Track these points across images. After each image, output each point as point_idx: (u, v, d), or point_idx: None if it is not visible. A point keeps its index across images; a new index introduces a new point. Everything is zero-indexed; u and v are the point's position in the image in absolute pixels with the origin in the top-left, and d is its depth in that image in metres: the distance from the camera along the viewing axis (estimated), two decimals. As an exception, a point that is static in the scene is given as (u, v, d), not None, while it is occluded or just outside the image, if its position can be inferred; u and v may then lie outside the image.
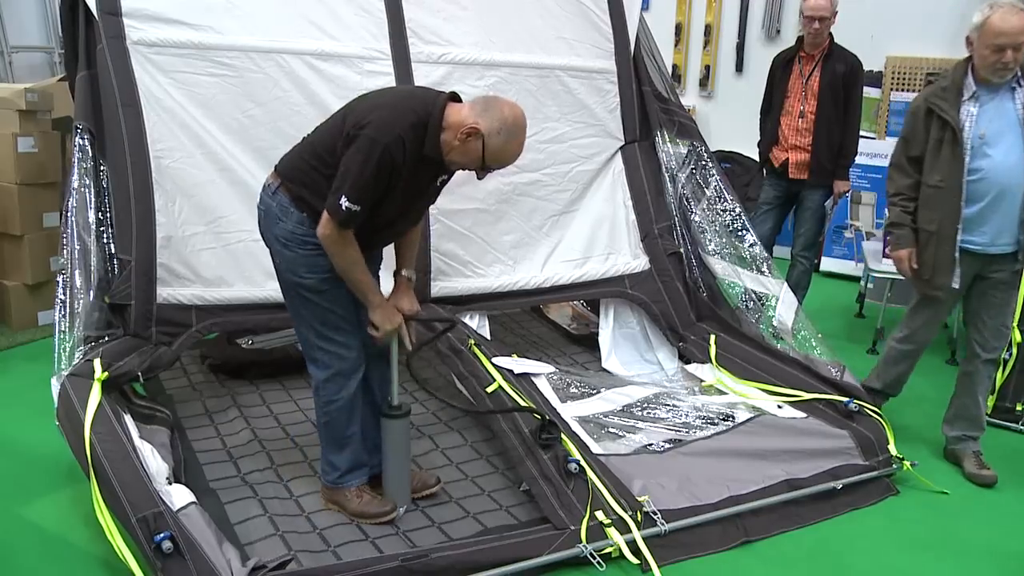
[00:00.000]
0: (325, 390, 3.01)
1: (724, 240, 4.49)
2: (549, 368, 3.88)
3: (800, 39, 5.05)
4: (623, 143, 4.57)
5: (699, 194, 4.58)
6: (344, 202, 2.64)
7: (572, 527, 2.93)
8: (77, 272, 3.43)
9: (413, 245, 3.13)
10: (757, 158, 5.38)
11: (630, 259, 4.47)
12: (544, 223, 4.35)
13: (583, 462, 3.13)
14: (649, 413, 3.80)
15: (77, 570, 2.90)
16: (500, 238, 4.22)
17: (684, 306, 4.44)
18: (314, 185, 2.78)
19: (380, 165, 2.64)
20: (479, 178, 2.87)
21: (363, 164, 2.63)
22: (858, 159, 6.60)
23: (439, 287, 4.05)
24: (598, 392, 3.96)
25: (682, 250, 4.54)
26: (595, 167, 4.49)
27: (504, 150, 2.74)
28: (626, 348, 4.49)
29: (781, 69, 5.07)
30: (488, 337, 4.00)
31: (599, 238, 4.45)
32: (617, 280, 4.42)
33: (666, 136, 4.61)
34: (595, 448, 3.38)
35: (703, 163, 4.59)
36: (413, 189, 2.83)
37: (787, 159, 5.02)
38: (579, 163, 4.44)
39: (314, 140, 2.86)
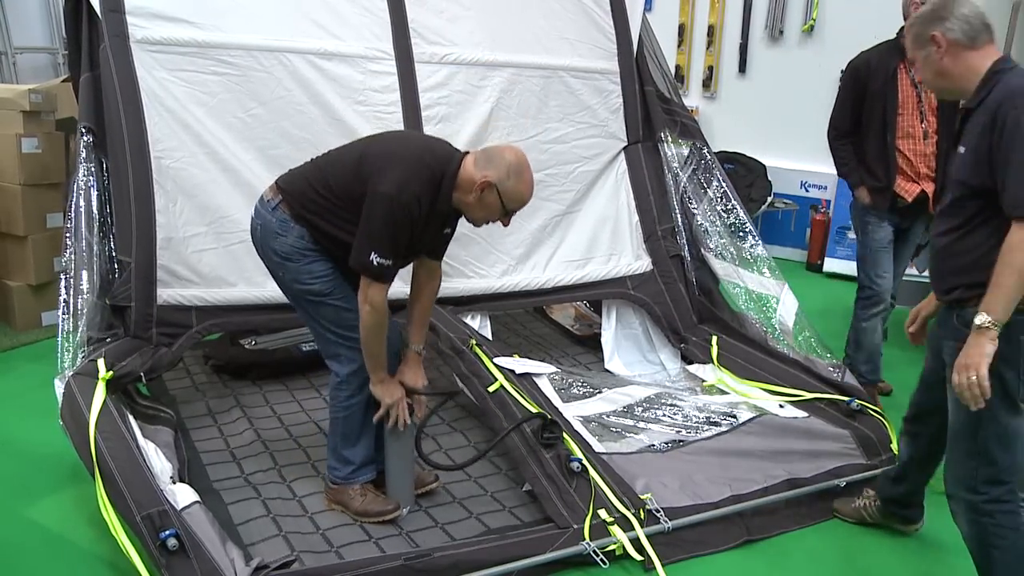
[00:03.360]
0: (348, 385, 3.03)
1: (726, 241, 4.48)
2: (551, 368, 3.88)
3: (898, 37, 4.07)
4: (626, 144, 4.57)
5: (700, 194, 4.57)
6: (375, 258, 2.73)
7: (575, 525, 2.93)
8: (83, 272, 3.44)
9: (425, 320, 3.20)
10: (860, 192, 4.23)
11: (632, 260, 4.47)
12: (547, 224, 4.35)
13: (585, 461, 3.13)
14: (651, 413, 3.80)
15: (81, 569, 2.91)
16: (502, 239, 4.22)
17: (686, 307, 4.44)
18: (320, 212, 2.85)
19: (400, 222, 2.73)
20: (504, 225, 2.95)
21: (385, 222, 2.73)
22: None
23: (441, 287, 4.05)
24: (600, 392, 3.96)
25: (684, 253, 4.54)
26: (598, 167, 4.49)
27: (518, 191, 2.84)
28: (628, 349, 4.49)
29: (886, 78, 4.04)
30: (490, 337, 4.00)
31: (602, 239, 4.45)
32: (619, 281, 4.42)
33: (669, 137, 4.61)
34: (597, 447, 3.38)
35: (705, 163, 4.58)
36: (421, 241, 2.92)
37: (922, 192, 4.08)
38: (582, 163, 4.44)
39: (325, 170, 2.90)
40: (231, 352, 4.38)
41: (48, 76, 7.01)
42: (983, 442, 2.44)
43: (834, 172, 6.74)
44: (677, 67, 7.64)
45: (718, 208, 4.52)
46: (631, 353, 4.49)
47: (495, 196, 2.80)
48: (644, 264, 4.48)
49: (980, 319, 2.28)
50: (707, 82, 7.63)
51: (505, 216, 2.88)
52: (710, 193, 4.54)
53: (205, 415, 3.91)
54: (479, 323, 4.05)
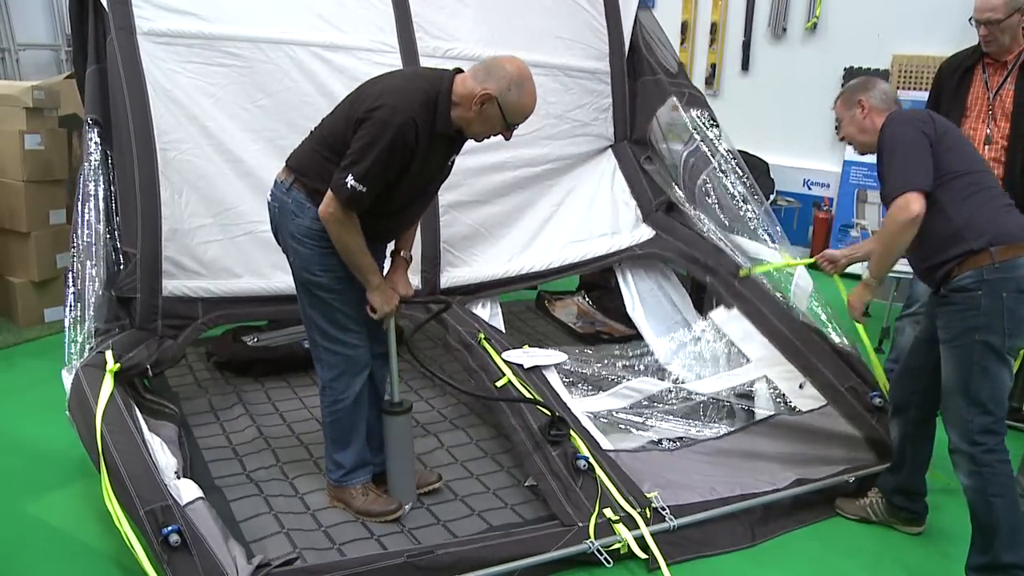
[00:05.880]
0: (332, 390, 3.02)
1: (732, 213, 4.31)
2: (562, 356, 3.77)
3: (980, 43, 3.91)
4: (613, 142, 4.68)
5: (704, 164, 4.41)
6: (350, 180, 2.62)
7: (580, 524, 2.92)
8: (91, 264, 3.45)
9: (414, 228, 3.14)
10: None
11: (633, 231, 4.51)
12: (548, 213, 4.42)
13: (592, 459, 3.12)
14: (660, 411, 3.75)
15: (84, 566, 2.91)
16: (505, 229, 4.25)
17: (698, 249, 4.30)
18: (330, 176, 2.75)
19: (392, 147, 2.62)
20: (506, 139, 2.86)
21: (372, 146, 2.61)
22: (865, 158, 6.58)
23: (448, 278, 4.09)
24: (609, 388, 3.88)
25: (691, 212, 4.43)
26: (591, 162, 4.60)
27: (521, 103, 2.74)
28: (651, 304, 4.46)
29: (958, 78, 3.92)
30: (502, 328, 3.99)
31: (602, 221, 4.51)
32: (625, 250, 4.45)
33: (661, 135, 4.61)
34: (605, 444, 3.35)
35: (711, 129, 4.46)
36: (426, 171, 2.82)
37: None
38: (574, 159, 4.53)
39: (323, 131, 2.84)
40: (233, 349, 4.38)
41: (51, 73, 7.01)
42: (975, 394, 2.72)
43: (837, 170, 6.81)
44: (680, 65, 7.62)
45: (724, 180, 4.33)
46: (655, 308, 4.44)
47: (496, 109, 2.71)
48: (647, 233, 4.49)
49: (865, 276, 3.00)
50: (710, 80, 7.62)
51: (506, 129, 2.79)
52: (713, 162, 4.35)
53: (207, 411, 3.91)
54: (489, 312, 4.04)
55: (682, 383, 3.93)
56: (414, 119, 2.63)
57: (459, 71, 2.79)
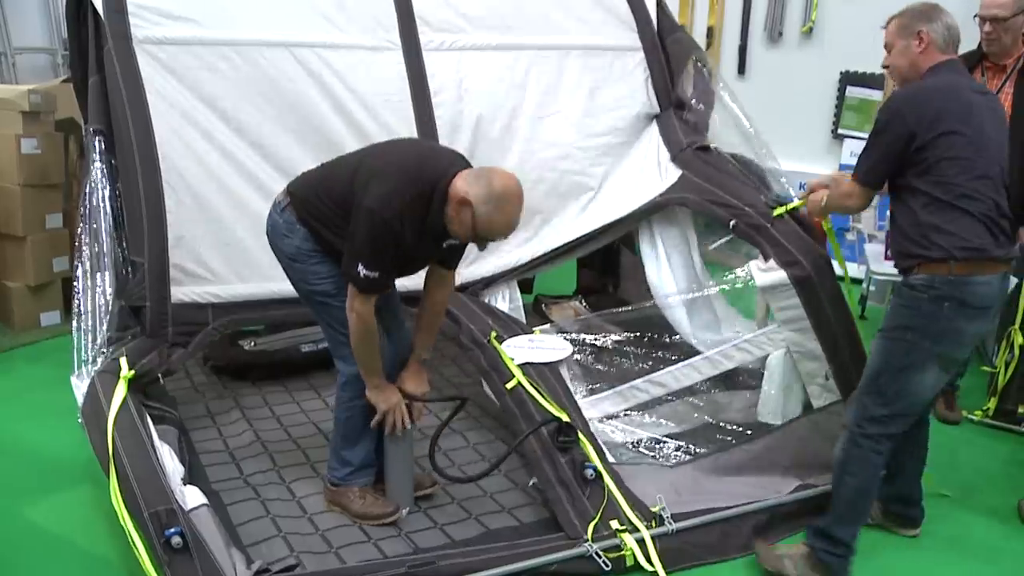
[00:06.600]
0: (353, 386, 3.03)
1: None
2: (568, 349, 3.63)
3: (979, 47, 3.87)
4: (659, 112, 4.44)
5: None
6: (362, 271, 2.71)
7: (584, 536, 2.90)
8: (99, 273, 3.46)
9: (431, 328, 3.15)
10: None
11: (659, 180, 4.16)
12: (577, 200, 4.26)
13: (600, 467, 3.08)
14: (668, 415, 3.71)
15: (83, 570, 2.92)
16: (527, 219, 4.10)
17: (725, 187, 3.91)
18: (321, 218, 2.87)
19: (383, 237, 2.71)
20: (480, 249, 2.88)
21: (368, 236, 2.71)
22: (861, 161, 6.57)
23: (465, 274, 3.94)
24: (616, 388, 3.73)
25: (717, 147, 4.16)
26: (628, 139, 4.39)
27: (492, 221, 2.70)
28: (675, 262, 4.18)
29: None
30: (523, 318, 3.93)
31: (632, 187, 4.25)
32: (647, 204, 4.11)
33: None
34: (609, 456, 3.28)
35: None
36: (414, 253, 2.87)
37: None
38: (609, 136, 4.34)
39: (329, 180, 2.91)
40: (230, 353, 4.38)
41: (47, 77, 6.99)
42: (883, 385, 2.78)
43: (833, 173, 6.80)
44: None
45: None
46: (677, 265, 4.15)
47: (469, 216, 2.68)
48: (673, 175, 4.10)
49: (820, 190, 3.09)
50: (706, 83, 7.63)
51: (477, 241, 2.77)
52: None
53: (204, 416, 3.92)
54: (509, 303, 3.98)
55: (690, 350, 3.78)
56: (400, 215, 2.69)
57: (467, 167, 2.82)
